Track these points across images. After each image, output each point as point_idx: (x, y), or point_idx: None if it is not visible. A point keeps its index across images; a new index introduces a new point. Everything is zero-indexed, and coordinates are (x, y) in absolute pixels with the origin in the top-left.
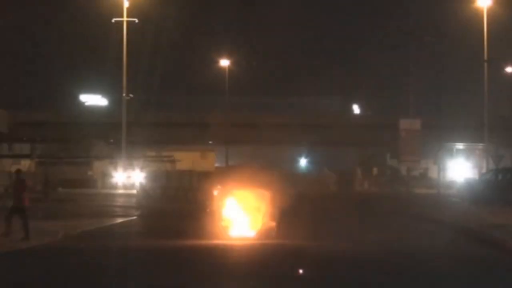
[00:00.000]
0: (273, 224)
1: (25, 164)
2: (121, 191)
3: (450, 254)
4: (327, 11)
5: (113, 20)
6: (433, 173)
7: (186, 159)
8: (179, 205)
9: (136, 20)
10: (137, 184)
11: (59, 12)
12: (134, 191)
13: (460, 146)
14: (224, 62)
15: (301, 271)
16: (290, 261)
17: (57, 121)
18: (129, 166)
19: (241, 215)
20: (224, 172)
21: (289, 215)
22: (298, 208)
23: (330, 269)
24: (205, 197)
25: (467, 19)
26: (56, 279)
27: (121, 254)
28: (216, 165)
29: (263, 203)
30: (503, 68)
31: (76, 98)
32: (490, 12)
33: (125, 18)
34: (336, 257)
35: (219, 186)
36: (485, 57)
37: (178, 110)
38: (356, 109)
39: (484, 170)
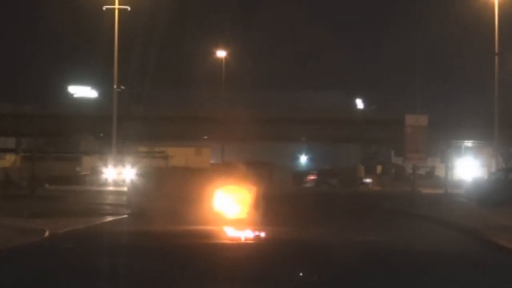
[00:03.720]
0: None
1: (10, 159)
2: (111, 188)
3: (454, 256)
4: (331, 2)
5: (104, 8)
6: (440, 172)
7: (180, 155)
8: (171, 204)
9: (128, 8)
10: (128, 181)
11: None
12: (125, 189)
13: (468, 143)
14: (221, 53)
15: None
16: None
17: (44, 114)
18: (119, 162)
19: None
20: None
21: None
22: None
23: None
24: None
25: (477, 12)
26: (41, 280)
27: (110, 254)
28: (211, 161)
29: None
30: None
31: (64, 89)
32: (501, 4)
33: (116, 6)
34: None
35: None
36: (496, 50)
37: (171, 103)
38: (359, 104)
39: (493, 169)
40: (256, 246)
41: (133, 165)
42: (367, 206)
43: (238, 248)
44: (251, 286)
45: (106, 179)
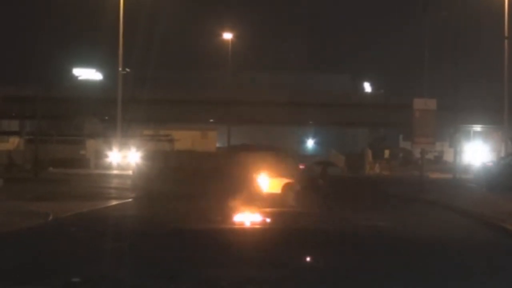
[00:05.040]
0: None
1: (13, 142)
2: (115, 171)
3: (462, 242)
4: None
5: None
6: (448, 157)
7: (186, 139)
8: (179, 188)
9: None
10: (133, 164)
11: None
12: (130, 172)
13: (477, 128)
14: (227, 35)
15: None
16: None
17: (48, 97)
18: (124, 145)
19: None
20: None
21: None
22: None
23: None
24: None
25: None
26: (44, 264)
27: (114, 238)
28: (218, 145)
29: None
30: None
31: (68, 72)
32: None
33: None
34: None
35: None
36: (506, 34)
37: (177, 86)
38: (367, 87)
39: (503, 154)
40: (257, 231)
41: (138, 149)
42: (375, 191)
43: (243, 232)
44: (252, 271)
45: (110, 163)
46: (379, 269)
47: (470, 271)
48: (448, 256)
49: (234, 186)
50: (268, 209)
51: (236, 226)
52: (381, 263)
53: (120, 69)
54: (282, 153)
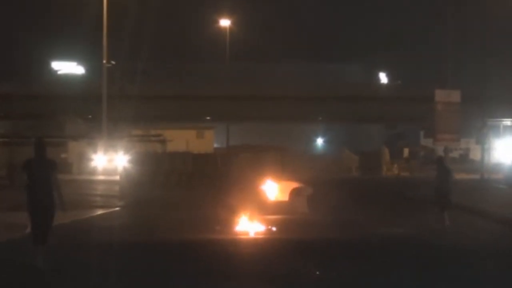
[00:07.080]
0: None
1: None
2: (101, 177)
3: (492, 250)
4: None
5: None
6: (475, 155)
7: (179, 139)
8: (172, 194)
9: None
10: (120, 169)
11: None
12: (117, 178)
13: (507, 122)
14: (225, 22)
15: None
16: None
17: (25, 94)
18: (110, 147)
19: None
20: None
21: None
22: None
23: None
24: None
25: None
26: (22, 280)
27: (100, 251)
28: (215, 145)
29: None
30: None
31: (47, 66)
32: None
33: None
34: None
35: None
36: None
37: (169, 80)
38: (383, 78)
39: None
40: (260, 242)
41: (126, 151)
42: (392, 194)
43: (244, 243)
44: (254, 284)
45: (95, 167)
46: (388, 281)
47: (501, 281)
48: (476, 265)
49: (235, 192)
50: (274, 217)
51: (237, 237)
52: (393, 274)
53: (104, 61)
54: (289, 154)
